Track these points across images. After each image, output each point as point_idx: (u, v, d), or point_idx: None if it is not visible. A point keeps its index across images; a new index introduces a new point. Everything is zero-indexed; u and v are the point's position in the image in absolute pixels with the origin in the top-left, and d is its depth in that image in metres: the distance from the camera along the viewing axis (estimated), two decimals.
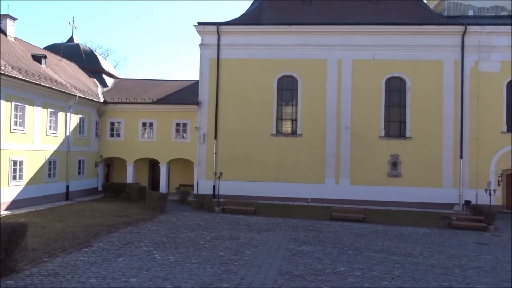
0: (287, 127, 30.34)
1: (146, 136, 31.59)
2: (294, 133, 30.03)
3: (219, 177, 26.00)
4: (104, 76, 35.72)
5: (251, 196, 28.30)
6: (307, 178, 29.34)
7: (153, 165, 33.21)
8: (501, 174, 28.43)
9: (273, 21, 30.39)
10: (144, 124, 31.49)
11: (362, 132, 29.28)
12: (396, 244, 17.31)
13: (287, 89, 30.29)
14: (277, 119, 30.19)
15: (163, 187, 31.13)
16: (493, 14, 31.42)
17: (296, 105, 30.09)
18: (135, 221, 19.73)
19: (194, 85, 32.81)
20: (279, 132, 30.11)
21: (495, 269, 13.79)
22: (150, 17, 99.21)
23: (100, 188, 31.21)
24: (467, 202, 27.77)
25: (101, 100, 31.43)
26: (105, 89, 34.04)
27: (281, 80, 30.24)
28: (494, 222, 22.40)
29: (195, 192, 29.74)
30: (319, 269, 12.55)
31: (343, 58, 29.66)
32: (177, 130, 31.23)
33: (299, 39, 29.88)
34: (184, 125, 31.15)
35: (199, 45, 30.58)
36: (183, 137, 31.29)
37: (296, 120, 30.07)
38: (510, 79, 28.77)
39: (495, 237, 20.28)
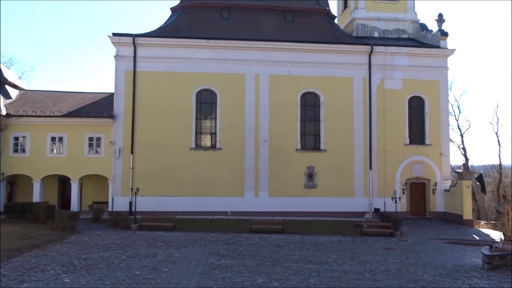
0: (206, 140, 30.24)
1: (55, 151, 29.66)
2: (213, 146, 30.00)
3: (135, 193, 25.11)
4: (7, 87, 32.84)
5: (170, 211, 27.61)
6: (226, 191, 29.36)
7: (64, 182, 31.14)
8: (405, 183, 30.77)
9: (191, 35, 30.35)
10: (53, 139, 29.55)
11: (279, 145, 30.05)
12: (313, 253, 17.87)
13: (206, 102, 30.27)
14: (196, 133, 29.97)
15: (74, 205, 29.26)
16: (396, 36, 34.20)
17: (215, 118, 30.15)
18: (42, 243, 18.27)
19: (109, 97, 31.51)
20: (198, 146, 29.90)
21: (401, 271, 14.76)
22: (60, 26, 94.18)
23: (1, 209, 28.49)
24: (376, 210, 29.59)
25: (3, 113, 28.98)
26: (8, 101, 31.37)
27: (200, 93, 30.17)
28: (400, 228, 24.09)
29: (110, 209, 28.34)
30: (238, 282, 12.54)
31: (260, 73, 30.38)
32: (90, 145, 29.73)
33: (218, 53, 30.12)
34: (98, 139, 29.75)
35: (114, 56, 29.55)
36: (96, 152, 29.85)
37: (215, 133, 30.09)
38: (411, 95, 31.43)
39: (401, 241, 21.79)
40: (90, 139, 29.69)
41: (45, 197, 29.96)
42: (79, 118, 29.59)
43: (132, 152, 28.96)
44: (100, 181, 30.53)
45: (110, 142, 29.12)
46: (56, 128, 29.60)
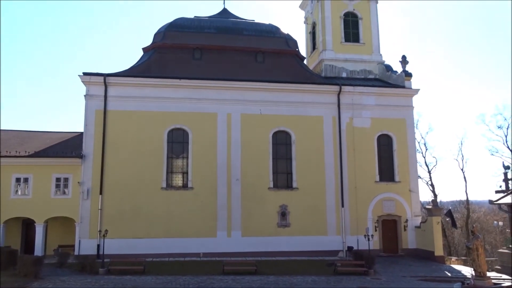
0: (178, 180, 29.85)
1: (19, 192, 28.62)
2: (185, 186, 29.61)
3: (104, 235, 24.24)
4: None
5: (140, 254, 26.76)
6: (198, 232, 28.79)
7: (28, 225, 29.85)
8: (377, 220, 31.01)
9: (163, 74, 30.55)
10: (18, 180, 28.59)
11: (252, 184, 29.96)
12: None
13: (177, 141, 30.11)
14: (167, 172, 29.59)
15: (38, 250, 27.98)
16: (363, 77, 35.40)
17: (187, 158, 29.95)
18: None
19: (78, 137, 30.96)
20: (169, 186, 29.45)
21: None
22: (27, 63, 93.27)
23: None
24: (350, 248, 29.53)
25: None
26: None
27: (172, 132, 30.05)
28: (373, 266, 24.06)
29: (76, 253, 27.20)
30: None
31: (232, 112, 30.64)
32: (57, 185, 28.88)
33: (189, 93, 30.31)
34: (66, 179, 28.96)
35: (84, 95, 29.26)
36: (64, 192, 28.96)
37: (187, 173, 29.80)
38: (379, 133, 32.24)
39: (375, 280, 21.71)
40: (58, 179, 28.89)
41: (7, 241, 28.57)
42: (46, 158, 28.85)
43: (101, 193, 28.23)
44: (66, 223, 29.46)
45: (78, 182, 28.35)
46: (22, 168, 28.70)
